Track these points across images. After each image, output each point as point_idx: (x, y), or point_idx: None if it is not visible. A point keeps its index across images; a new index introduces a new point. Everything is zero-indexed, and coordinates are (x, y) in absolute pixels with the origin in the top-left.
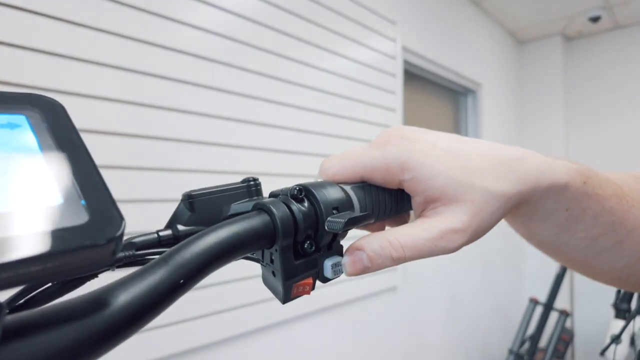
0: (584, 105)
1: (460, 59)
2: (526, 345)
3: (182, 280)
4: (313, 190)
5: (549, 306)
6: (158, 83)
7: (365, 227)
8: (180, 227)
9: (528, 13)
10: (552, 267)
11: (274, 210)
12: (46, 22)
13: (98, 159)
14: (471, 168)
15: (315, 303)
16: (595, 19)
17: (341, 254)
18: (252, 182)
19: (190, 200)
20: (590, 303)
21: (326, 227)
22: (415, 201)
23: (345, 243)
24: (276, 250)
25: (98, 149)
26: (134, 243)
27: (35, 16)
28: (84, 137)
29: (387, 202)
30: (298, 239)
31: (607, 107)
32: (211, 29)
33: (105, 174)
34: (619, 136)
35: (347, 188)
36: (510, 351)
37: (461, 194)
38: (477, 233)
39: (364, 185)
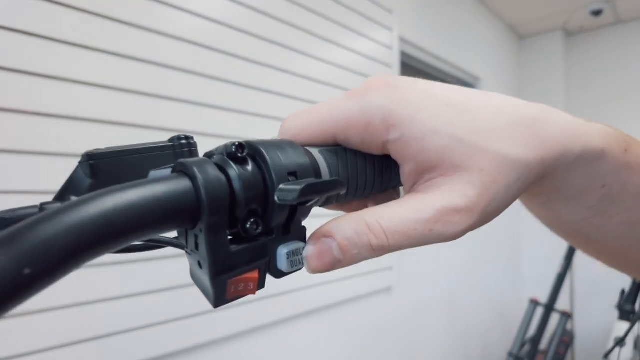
0: (585, 101)
1: (458, 51)
2: (526, 348)
3: (27, 271)
4: (261, 149)
5: (549, 307)
6: (151, 70)
7: (339, 207)
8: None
9: (529, 6)
10: (551, 267)
11: (197, 172)
12: (33, 3)
13: (87, 148)
14: (480, 126)
15: (305, 304)
16: (597, 13)
17: (303, 239)
18: (183, 141)
19: (91, 163)
20: (592, 304)
21: (276, 198)
22: (405, 170)
23: (311, 229)
24: (201, 231)
25: (86, 137)
26: (4, 219)
27: None
28: (73, 124)
29: (369, 172)
30: (237, 216)
31: (608, 103)
32: (206, 15)
33: None
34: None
35: (314, 151)
36: (510, 354)
37: (467, 160)
38: (486, 214)
39: (338, 150)
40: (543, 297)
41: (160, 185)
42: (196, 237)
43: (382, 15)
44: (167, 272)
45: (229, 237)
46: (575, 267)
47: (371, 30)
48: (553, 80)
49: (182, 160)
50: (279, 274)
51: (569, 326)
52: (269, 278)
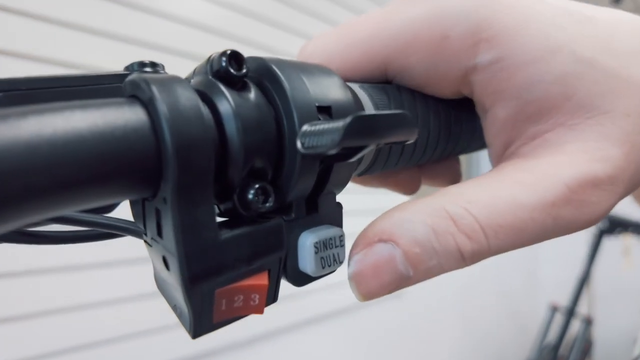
0: None
1: None
2: (545, 356)
3: None
4: (273, 68)
5: (570, 313)
6: (153, 54)
7: (380, 182)
8: None
9: None
10: (569, 271)
11: (157, 94)
12: None
13: None
14: (619, 47)
15: (308, 310)
16: (617, 1)
17: (338, 223)
18: (147, 69)
19: None
20: (614, 308)
21: (299, 145)
22: (497, 117)
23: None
24: (165, 201)
25: None
26: None
27: None
28: None
29: (433, 124)
30: (231, 179)
31: None
32: None
33: None
34: None
35: (354, 86)
36: None
37: (607, 99)
38: (632, 185)
39: (388, 87)
40: (561, 301)
41: (87, 113)
42: (158, 213)
43: None
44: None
45: (218, 216)
46: (596, 269)
47: None
48: None
49: (134, 75)
50: (301, 279)
51: (589, 332)
52: (284, 285)
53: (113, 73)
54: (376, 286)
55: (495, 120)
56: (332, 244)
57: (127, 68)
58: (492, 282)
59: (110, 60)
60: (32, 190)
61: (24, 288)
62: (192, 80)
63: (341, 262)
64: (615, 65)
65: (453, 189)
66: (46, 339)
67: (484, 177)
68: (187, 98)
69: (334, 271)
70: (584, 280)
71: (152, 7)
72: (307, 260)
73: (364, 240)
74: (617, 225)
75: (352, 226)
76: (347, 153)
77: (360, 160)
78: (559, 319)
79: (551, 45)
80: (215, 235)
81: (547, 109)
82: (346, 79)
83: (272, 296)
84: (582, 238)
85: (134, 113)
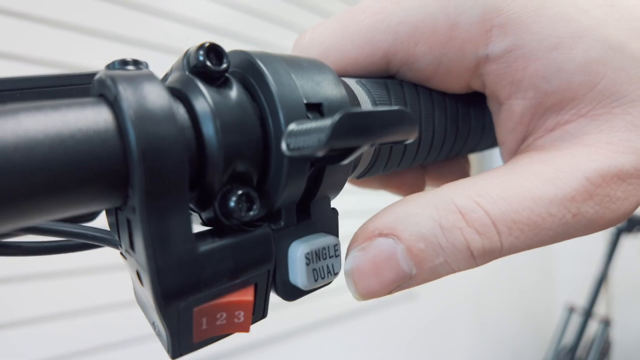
0: None
1: None
2: (562, 357)
3: None
4: (257, 62)
5: (588, 313)
6: (159, 56)
7: (381, 184)
8: None
9: None
10: (587, 268)
11: (122, 92)
12: None
13: None
14: None
15: (319, 313)
16: None
17: (332, 231)
18: (130, 67)
19: None
20: (633, 309)
21: (285, 146)
22: (513, 110)
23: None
24: (134, 211)
25: None
26: None
27: None
28: None
29: (438, 121)
30: (209, 184)
31: None
32: None
33: None
34: None
35: (351, 82)
36: None
37: (633, 87)
38: None
39: (389, 82)
40: (578, 301)
41: (46, 115)
42: (129, 224)
43: None
44: None
45: (202, 225)
46: (615, 269)
47: None
48: None
49: (101, 72)
50: (292, 293)
51: (607, 334)
52: (272, 299)
53: (88, 72)
54: (375, 285)
55: (511, 114)
56: (325, 254)
57: (108, 67)
58: (507, 282)
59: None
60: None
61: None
62: (168, 78)
63: (336, 274)
64: None
65: (463, 181)
66: (33, 346)
67: (497, 169)
68: (157, 95)
69: (328, 283)
70: (602, 280)
71: (153, 7)
72: (297, 273)
73: (364, 233)
74: (636, 224)
75: (350, 227)
76: (339, 154)
77: (357, 162)
78: (575, 320)
79: (573, 30)
80: (192, 247)
81: (568, 100)
82: (345, 74)
83: (260, 312)
84: (600, 236)
85: (98, 113)
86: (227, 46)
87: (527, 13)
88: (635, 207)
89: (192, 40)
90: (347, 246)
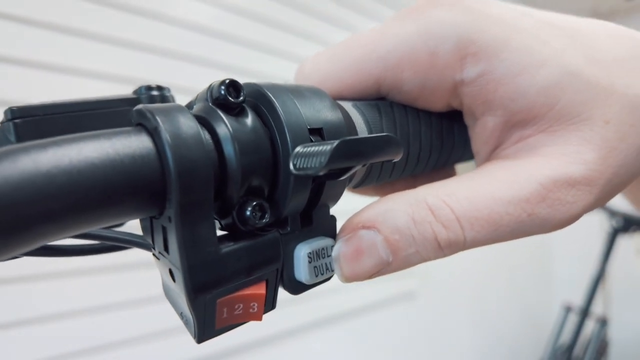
0: None
1: None
2: (559, 357)
3: None
4: (268, 93)
5: (585, 313)
6: (156, 59)
7: (375, 192)
8: None
9: None
10: (584, 268)
11: (161, 123)
12: None
13: None
14: (602, 57)
15: (317, 312)
16: None
17: (331, 234)
18: (154, 92)
19: (17, 122)
20: (631, 308)
21: (292, 166)
22: (485, 127)
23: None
24: (170, 219)
25: None
26: None
27: None
28: None
29: (424, 137)
30: (230, 197)
31: None
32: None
33: None
34: None
35: (347, 104)
36: None
37: (585, 105)
38: (611, 188)
39: (380, 104)
40: (576, 300)
41: (100, 143)
42: (164, 230)
43: None
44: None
45: (220, 232)
46: (612, 268)
47: (386, 14)
48: None
49: (140, 106)
50: (297, 288)
51: (604, 333)
52: (281, 293)
53: (122, 97)
54: (358, 269)
55: (484, 129)
56: (324, 254)
57: (135, 92)
58: (505, 282)
59: (113, 65)
60: (52, 214)
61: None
62: (194, 107)
63: (334, 271)
64: (597, 75)
65: (437, 184)
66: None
67: (467, 174)
68: (188, 126)
69: (328, 279)
70: (599, 279)
71: (155, 12)
72: (301, 270)
73: (349, 226)
74: (632, 224)
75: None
76: (336, 172)
77: (352, 175)
78: (573, 319)
79: (535, 59)
80: (216, 249)
81: (531, 118)
82: (342, 97)
83: (270, 304)
84: (596, 237)
85: (140, 141)
86: (225, 50)
87: (496, 43)
88: (584, 211)
89: (190, 43)
90: None
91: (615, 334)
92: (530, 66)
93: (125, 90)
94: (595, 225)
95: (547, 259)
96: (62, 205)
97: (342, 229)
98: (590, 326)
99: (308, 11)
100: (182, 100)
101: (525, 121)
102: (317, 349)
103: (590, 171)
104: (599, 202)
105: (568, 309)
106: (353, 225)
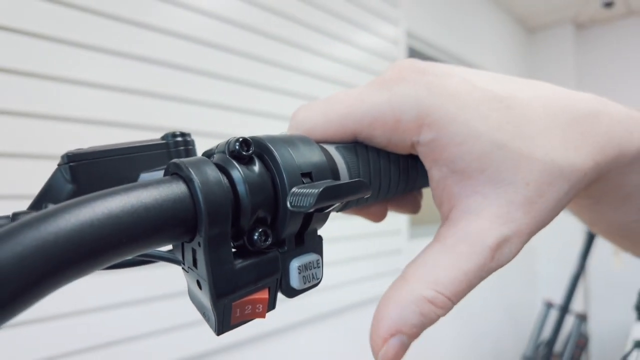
0: (597, 95)
1: (466, 46)
2: (540, 351)
3: None
4: (269, 145)
5: (564, 309)
6: (151, 68)
7: (356, 212)
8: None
9: None
10: (565, 267)
11: (193, 174)
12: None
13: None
14: (527, 128)
15: (309, 310)
16: (608, 4)
17: (318, 251)
18: (178, 139)
19: (72, 165)
20: (608, 305)
21: (289, 204)
22: (434, 176)
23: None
24: (200, 244)
25: (82, 138)
26: None
27: None
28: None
29: (393, 173)
30: (242, 226)
31: (620, 98)
32: (208, 10)
33: None
34: None
35: (330, 148)
36: (524, 357)
37: (511, 172)
38: (537, 229)
39: (357, 146)
40: (557, 298)
41: (149, 191)
42: (194, 251)
43: (388, 9)
44: (163, 279)
45: (233, 251)
46: (590, 267)
47: (377, 25)
48: (563, 74)
49: (176, 160)
50: (291, 293)
51: (583, 328)
52: (279, 297)
53: (153, 143)
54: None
55: (433, 176)
56: (311, 266)
57: (163, 137)
58: (490, 279)
59: (108, 75)
60: (122, 244)
61: None
62: (214, 155)
63: (318, 279)
64: (521, 146)
65: (419, 271)
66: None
67: (436, 251)
68: (212, 175)
69: (315, 285)
70: (578, 278)
71: (148, 23)
72: (294, 279)
73: (377, 337)
74: None
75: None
76: (322, 208)
77: (335, 207)
78: (554, 315)
79: (473, 133)
80: (232, 266)
81: (467, 178)
82: (326, 141)
83: (272, 305)
84: (576, 238)
85: (178, 188)
86: (217, 60)
87: (446, 118)
88: (518, 252)
89: (186, 53)
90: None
91: (594, 329)
92: (469, 138)
93: (122, 101)
94: (574, 227)
95: (530, 259)
96: (129, 235)
97: (373, 338)
98: (570, 322)
99: (303, 23)
100: (184, 105)
101: (463, 179)
102: (309, 344)
103: (519, 226)
104: (528, 240)
105: (549, 306)
106: (382, 334)
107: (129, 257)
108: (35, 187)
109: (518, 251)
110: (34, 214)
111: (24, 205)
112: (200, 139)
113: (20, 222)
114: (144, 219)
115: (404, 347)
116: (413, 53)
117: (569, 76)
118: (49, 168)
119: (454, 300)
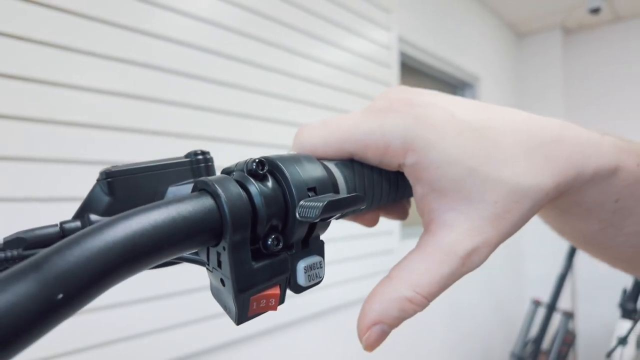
0: (584, 99)
1: (458, 51)
2: (529, 348)
3: (60, 296)
4: (280, 165)
5: (551, 307)
6: (148, 74)
7: (352, 218)
8: (94, 217)
9: (527, 4)
10: (553, 267)
11: (220, 190)
12: (25, 7)
13: (84, 154)
14: (496, 155)
15: (305, 308)
16: (595, 10)
17: (320, 253)
18: (199, 157)
19: (109, 180)
20: (594, 303)
21: (297, 215)
22: (417, 192)
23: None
24: (224, 248)
25: (82, 143)
26: (23, 239)
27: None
28: (69, 130)
29: (384, 186)
30: (258, 233)
31: (607, 101)
32: (200, 16)
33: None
34: (620, 131)
35: (330, 165)
36: (513, 354)
37: (481, 193)
38: (504, 239)
39: (354, 163)
40: (545, 297)
41: (184, 205)
42: (218, 254)
43: (381, 15)
44: (164, 278)
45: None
46: (577, 266)
47: (369, 30)
48: (552, 78)
49: (203, 178)
50: (298, 289)
51: (570, 326)
52: (288, 293)
53: (179, 160)
54: (377, 344)
55: (416, 192)
56: (315, 266)
57: (187, 155)
58: (479, 278)
59: (109, 81)
60: (164, 248)
61: None
62: (234, 173)
63: (321, 277)
64: (490, 171)
65: (402, 274)
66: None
67: (416, 258)
68: (235, 191)
69: (318, 283)
70: (564, 277)
71: (147, 29)
72: (301, 277)
73: (364, 324)
74: None
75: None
76: (325, 218)
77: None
78: (541, 313)
79: (451, 158)
80: (251, 266)
81: (444, 196)
82: (327, 159)
83: (282, 299)
84: (564, 240)
85: (207, 202)
86: (215, 64)
87: (428, 145)
88: (486, 259)
89: (182, 59)
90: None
91: (581, 326)
92: (445, 163)
93: (120, 105)
94: None
95: (518, 258)
96: (168, 244)
97: (359, 325)
98: (557, 319)
99: (297, 28)
100: (188, 111)
101: (441, 197)
102: (306, 341)
103: (488, 237)
104: (496, 248)
105: (537, 304)
106: (367, 323)
107: (168, 259)
108: (36, 191)
109: (486, 258)
110: (99, 223)
111: (34, 207)
112: (197, 143)
113: (91, 228)
114: (182, 228)
115: (384, 334)
116: (405, 57)
117: (557, 79)
118: (50, 171)
119: (429, 299)
